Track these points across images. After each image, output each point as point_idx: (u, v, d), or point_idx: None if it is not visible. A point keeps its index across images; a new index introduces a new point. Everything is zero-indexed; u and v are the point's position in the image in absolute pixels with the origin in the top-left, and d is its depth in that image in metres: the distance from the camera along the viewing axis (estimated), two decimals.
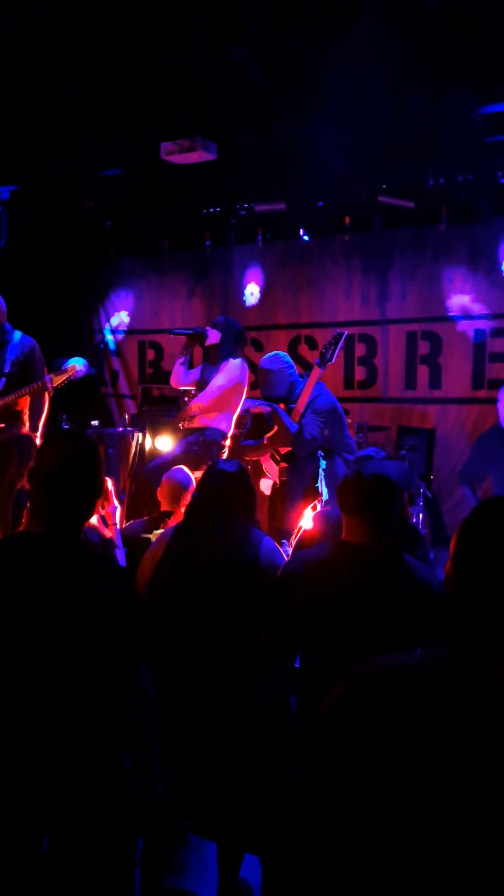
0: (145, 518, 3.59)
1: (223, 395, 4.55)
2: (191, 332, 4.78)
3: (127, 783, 1.88)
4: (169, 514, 3.33)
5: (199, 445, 4.57)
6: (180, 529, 2.55)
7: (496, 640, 1.02)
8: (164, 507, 3.41)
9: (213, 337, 4.70)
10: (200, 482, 2.62)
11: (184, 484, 3.38)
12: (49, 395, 4.35)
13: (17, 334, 4.54)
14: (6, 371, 4.35)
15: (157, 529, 3.17)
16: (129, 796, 1.96)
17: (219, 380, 4.60)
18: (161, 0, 4.20)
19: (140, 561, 2.65)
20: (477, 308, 6.30)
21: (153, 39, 4.47)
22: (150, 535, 3.11)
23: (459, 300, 6.37)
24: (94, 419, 6.71)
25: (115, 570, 2.13)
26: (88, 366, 5.11)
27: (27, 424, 4.34)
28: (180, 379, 4.89)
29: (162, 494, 3.42)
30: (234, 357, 4.68)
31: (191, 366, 4.89)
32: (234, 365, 4.63)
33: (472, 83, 4.60)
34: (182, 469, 3.50)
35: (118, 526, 2.74)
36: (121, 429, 6.51)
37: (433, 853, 1.00)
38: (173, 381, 4.95)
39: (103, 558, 2.45)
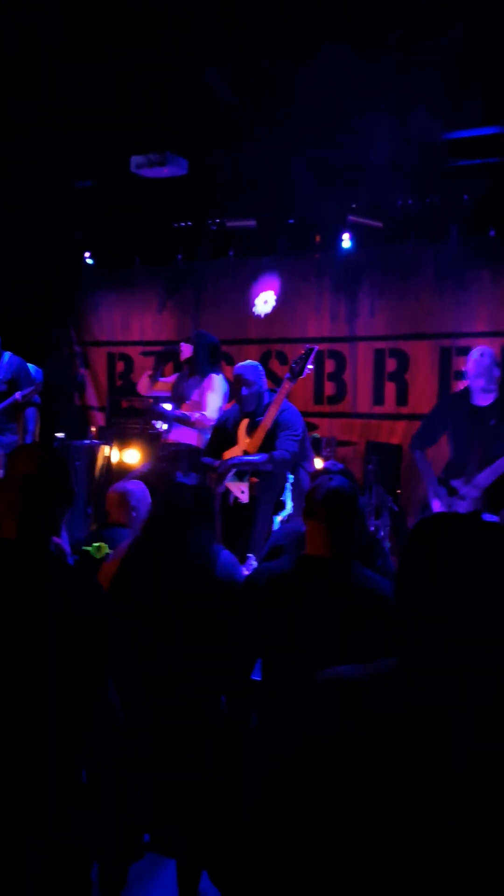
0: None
1: (217, 412, 4.68)
2: (162, 351, 4.92)
3: (83, 798, 1.88)
4: (114, 526, 3.30)
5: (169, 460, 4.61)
6: (138, 543, 2.53)
7: (439, 650, 1.04)
8: (113, 518, 3.38)
9: (186, 351, 4.82)
10: (159, 496, 2.60)
11: (130, 494, 3.36)
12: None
13: (6, 355, 5.19)
14: None
15: (97, 542, 3.14)
16: (86, 812, 1.95)
17: (212, 397, 4.72)
18: (136, 18, 4.23)
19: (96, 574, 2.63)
20: (442, 327, 6.41)
21: (128, 56, 4.51)
22: (90, 548, 3.09)
23: (425, 319, 6.47)
24: (61, 431, 6.68)
25: (84, 577, 2.14)
26: (41, 373, 5.36)
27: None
28: (146, 389, 5.10)
29: (110, 505, 3.41)
30: (216, 372, 4.80)
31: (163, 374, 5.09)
32: (220, 381, 4.78)
33: (438, 108, 4.70)
34: (134, 481, 3.50)
35: (65, 528, 2.74)
36: (88, 441, 6.48)
37: (383, 869, 1.01)
38: (140, 390, 5.17)
39: (72, 567, 2.44)
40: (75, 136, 5.29)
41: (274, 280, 6.68)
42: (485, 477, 3.83)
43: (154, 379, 4.99)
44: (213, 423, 4.65)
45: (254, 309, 6.70)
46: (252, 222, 6.53)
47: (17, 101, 4.85)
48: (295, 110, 4.87)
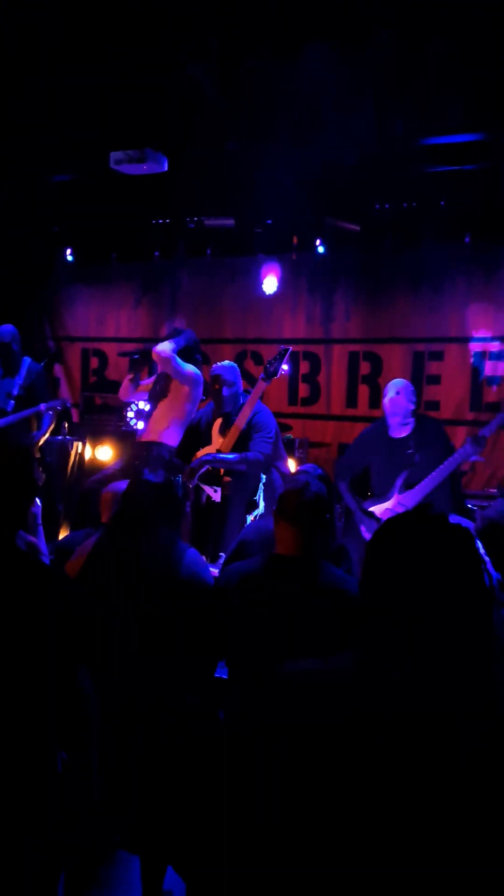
0: (86, 529, 3.56)
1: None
2: (138, 354, 4.78)
3: (60, 786, 1.87)
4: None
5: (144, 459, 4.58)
6: (102, 541, 2.51)
7: (397, 646, 1.06)
8: (105, 518, 3.38)
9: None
10: (124, 493, 2.57)
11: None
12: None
13: (26, 361, 5.53)
14: (14, 394, 5.36)
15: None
16: (60, 801, 1.95)
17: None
18: (119, 13, 4.21)
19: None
20: (416, 331, 6.47)
21: (111, 51, 4.48)
22: None
23: (400, 323, 6.53)
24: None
25: (51, 573, 2.13)
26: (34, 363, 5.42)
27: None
28: (128, 393, 4.92)
29: (104, 506, 3.40)
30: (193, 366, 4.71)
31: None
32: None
33: (417, 115, 4.75)
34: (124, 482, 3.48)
35: (42, 527, 2.72)
36: (60, 437, 6.43)
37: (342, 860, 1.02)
38: (122, 395, 4.97)
39: (38, 562, 2.42)
40: (55, 130, 5.25)
41: (275, 267, 6.67)
42: (411, 497, 3.92)
43: (135, 383, 4.88)
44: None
45: (262, 287, 6.68)
46: (230, 221, 6.53)
47: None
48: (276, 111, 4.88)
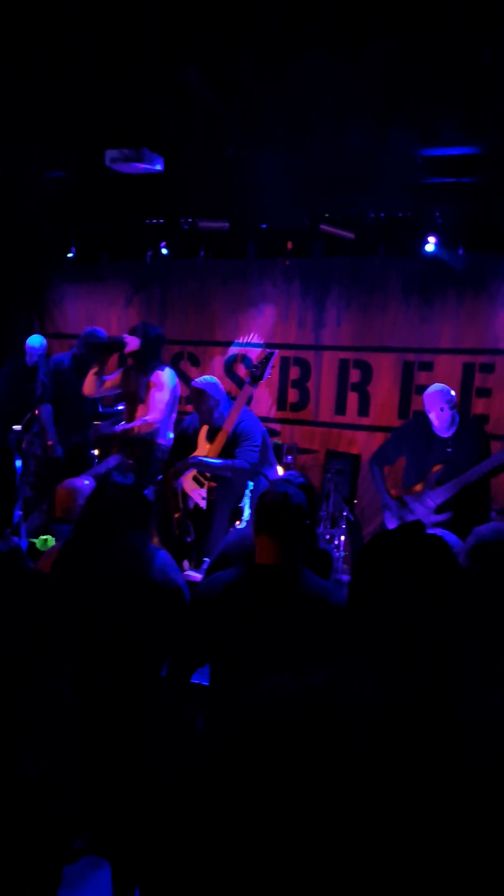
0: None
1: (165, 409, 4.58)
2: (106, 341, 4.74)
3: (30, 792, 1.84)
4: (62, 522, 3.28)
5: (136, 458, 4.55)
6: (69, 544, 2.47)
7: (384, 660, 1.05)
8: (59, 514, 3.36)
9: (133, 343, 4.64)
10: (91, 495, 2.53)
11: (78, 492, 3.33)
12: None
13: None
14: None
15: (44, 535, 3.11)
16: (30, 807, 1.92)
17: (162, 395, 4.61)
18: (118, 11, 4.21)
19: None
20: (407, 341, 6.49)
21: (108, 49, 4.47)
22: (36, 541, 3.06)
23: (391, 332, 6.54)
24: (18, 424, 6.56)
25: (37, 576, 2.11)
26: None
27: None
28: (94, 389, 4.85)
29: (58, 502, 3.39)
30: (162, 367, 4.68)
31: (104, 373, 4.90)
32: (168, 376, 4.65)
33: (415, 125, 4.76)
34: (82, 478, 3.48)
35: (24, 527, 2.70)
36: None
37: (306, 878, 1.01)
38: (87, 391, 4.89)
39: (23, 564, 2.40)
40: (50, 125, 5.22)
41: (341, 310, 6.68)
42: (439, 494, 3.95)
43: (101, 377, 4.81)
44: (158, 421, 4.59)
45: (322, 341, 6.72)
46: (225, 224, 6.52)
47: None
48: (274, 116, 4.88)
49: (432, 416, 4.21)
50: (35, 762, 2.00)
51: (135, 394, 4.70)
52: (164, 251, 7.10)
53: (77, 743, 1.89)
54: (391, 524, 4.25)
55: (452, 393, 4.25)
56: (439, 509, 4.08)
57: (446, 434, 4.20)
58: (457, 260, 6.11)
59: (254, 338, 5.72)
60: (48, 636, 1.77)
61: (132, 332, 4.72)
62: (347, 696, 1.06)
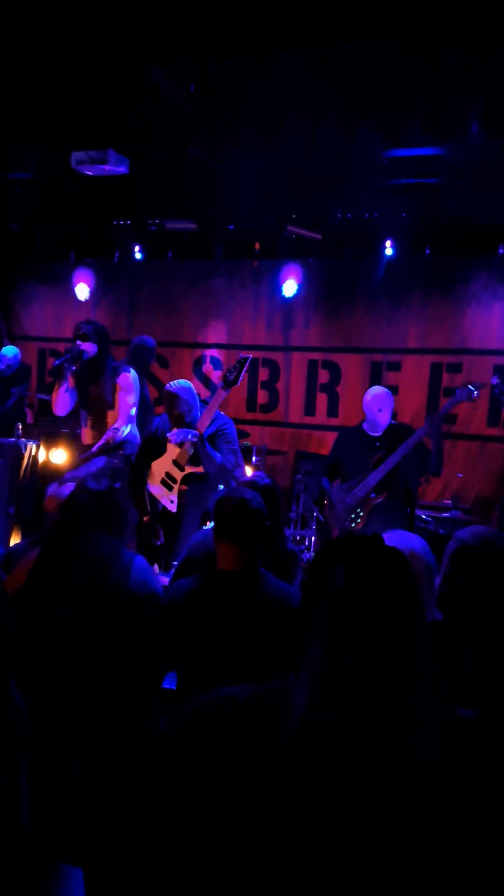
0: (26, 540, 3.49)
1: (130, 412, 4.52)
2: (68, 355, 4.42)
3: None
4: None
5: (121, 459, 4.48)
6: (43, 553, 2.42)
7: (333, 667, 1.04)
8: (48, 524, 3.32)
9: (91, 349, 4.43)
10: (63, 503, 2.49)
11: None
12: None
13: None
14: None
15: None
16: None
17: (130, 398, 4.52)
18: (85, 13, 4.16)
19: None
20: (374, 341, 6.53)
21: (74, 50, 4.43)
22: None
23: (358, 333, 6.58)
24: None
25: None
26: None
27: None
28: (67, 406, 4.56)
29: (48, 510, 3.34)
30: (126, 367, 4.58)
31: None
32: (134, 377, 4.56)
33: (381, 126, 4.79)
34: (71, 486, 3.42)
35: None
36: (13, 439, 6.31)
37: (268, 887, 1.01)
38: (60, 411, 4.57)
39: None
40: (15, 126, 5.17)
41: (297, 270, 6.62)
42: (372, 478, 4.38)
43: (71, 392, 4.51)
44: (125, 425, 4.51)
45: (283, 293, 6.63)
46: (192, 225, 6.51)
47: None
48: (241, 117, 4.88)
49: (372, 416, 4.43)
50: None
51: (99, 399, 4.51)
52: (138, 255, 7.05)
53: (24, 749, 1.86)
54: (339, 509, 4.45)
55: (391, 396, 4.50)
56: (375, 489, 4.36)
57: (376, 433, 4.45)
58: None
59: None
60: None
61: (83, 339, 4.43)
62: (288, 710, 1.04)
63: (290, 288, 6.59)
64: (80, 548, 2.34)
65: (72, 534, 2.38)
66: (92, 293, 7.50)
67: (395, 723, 1.01)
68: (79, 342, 4.41)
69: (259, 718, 1.07)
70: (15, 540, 5.89)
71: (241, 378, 4.06)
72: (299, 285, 6.61)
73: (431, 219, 6.01)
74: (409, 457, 4.28)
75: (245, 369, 4.07)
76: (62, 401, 4.52)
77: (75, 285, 7.21)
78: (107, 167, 5.16)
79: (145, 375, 5.83)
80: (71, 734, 2.29)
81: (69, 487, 3.39)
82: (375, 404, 4.44)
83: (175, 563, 3.68)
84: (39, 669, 2.25)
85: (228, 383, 4.02)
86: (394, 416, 4.53)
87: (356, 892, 0.97)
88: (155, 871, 1.11)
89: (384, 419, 4.43)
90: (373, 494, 4.39)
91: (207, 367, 7.19)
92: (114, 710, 2.31)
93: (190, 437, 3.97)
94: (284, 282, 6.61)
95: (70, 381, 4.49)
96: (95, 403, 4.53)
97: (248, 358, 4.13)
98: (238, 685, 1.15)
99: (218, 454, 4.00)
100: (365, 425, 4.52)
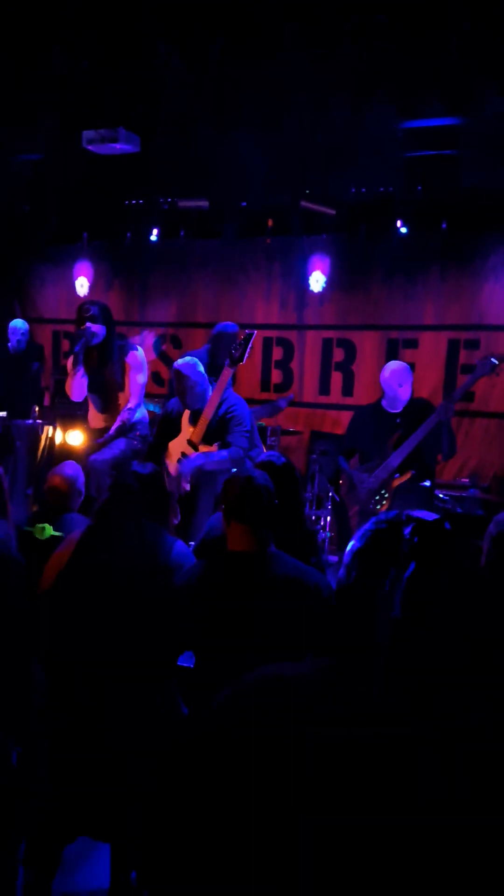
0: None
1: (142, 391, 4.51)
2: (83, 340, 4.32)
3: (13, 778, 1.84)
4: (55, 510, 3.26)
5: (139, 440, 4.48)
6: (89, 532, 2.47)
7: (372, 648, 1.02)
8: (51, 501, 3.35)
9: (101, 331, 4.36)
10: (112, 484, 2.55)
11: (72, 478, 3.33)
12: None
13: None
14: None
15: (39, 523, 3.10)
16: (15, 791, 1.91)
17: (140, 377, 4.50)
18: None
19: (48, 560, 2.57)
20: (390, 318, 6.45)
21: (81, 28, 4.38)
22: (33, 529, 3.05)
23: (374, 310, 6.50)
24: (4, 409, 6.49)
25: (13, 561, 2.10)
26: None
27: None
28: (84, 391, 4.51)
29: (55, 490, 3.36)
30: (134, 346, 4.54)
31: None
32: (141, 356, 4.52)
33: (394, 98, 4.69)
34: (72, 464, 3.45)
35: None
36: (30, 421, 6.33)
37: (299, 862, 1.00)
38: (77, 396, 4.53)
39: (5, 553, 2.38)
40: (26, 107, 5.12)
41: (324, 261, 6.54)
42: (396, 456, 4.31)
43: (86, 377, 4.45)
44: (138, 405, 4.49)
45: (309, 287, 6.57)
46: (204, 203, 6.44)
47: None
48: (251, 92, 4.80)
49: (392, 392, 4.36)
50: (15, 746, 2.00)
51: (110, 381, 4.44)
52: (154, 237, 7.00)
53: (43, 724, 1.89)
54: (360, 490, 4.40)
55: (410, 372, 4.44)
56: (399, 469, 4.29)
57: (395, 410, 4.38)
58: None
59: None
60: (25, 624, 1.76)
61: (93, 320, 4.31)
62: (346, 690, 1.03)
63: (317, 282, 6.52)
64: (124, 530, 2.37)
65: (117, 516, 2.41)
66: (104, 274, 7.48)
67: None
68: (89, 325, 4.32)
69: (320, 695, 1.05)
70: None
71: (246, 355, 4.03)
72: (313, 262, 6.54)
73: (448, 192, 5.90)
74: (429, 434, 4.24)
75: (250, 346, 4.03)
76: (78, 386, 4.47)
77: (76, 279, 7.27)
78: (118, 146, 5.11)
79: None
80: (106, 711, 2.30)
81: (70, 465, 3.43)
82: (395, 379, 4.36)
83: (192, 543, 3.68)
84: (78, 648, 2.27)
85: (234, 360, 4.00)
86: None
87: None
88: (187, 847, 1.11)
89: (405, 394, 4.35)
90: (396, 475, 4.32)
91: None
92: (153, 688, 2.33)
93: (198, 465, 3.98)
94: (311, 273, 6.55)
95: (80, 370, 4.44)
96: (105, 386, 4.49)
97: (252, 334, 4.10)
98: (274, 664, 1.13)
99: (225, 452, 3.98)
100: (384, 402, 4.45)
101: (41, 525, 3.11)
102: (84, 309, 4.38)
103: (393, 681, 1.00)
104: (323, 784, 1.01)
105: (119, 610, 2.31)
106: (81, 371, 4.42)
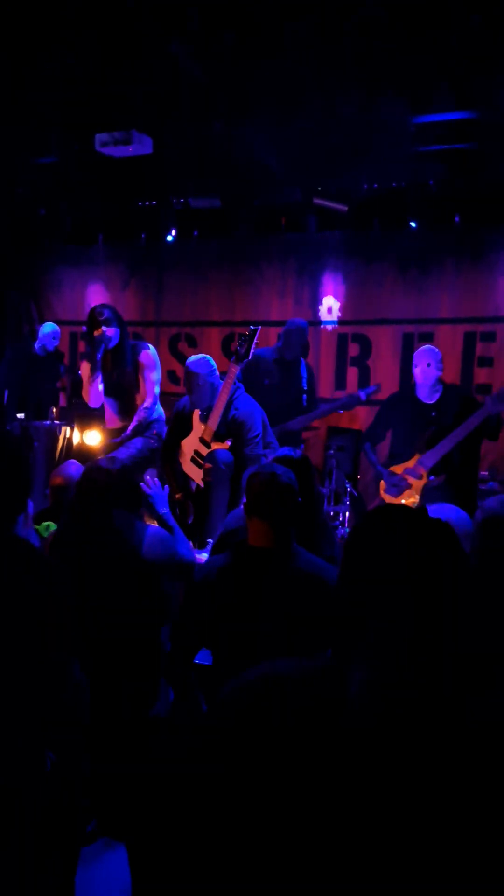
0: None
1: (157, 389, 4.52)
2: (102, 346, 4.32)
3: (48, 783, 1.86)
4: (59, 508, 3.32)
5: (156, 439, 4.50)
6: (62, 527, 2.55)
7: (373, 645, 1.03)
8: (52, 501, 3.40)
9: (116, 334, 4.36)
10: (80, 480, 2.63)
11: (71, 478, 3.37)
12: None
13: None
14: None
15: (44, 521, 3.16)
16: (49, 796, 1.93)
17: (154, 375, 4.51)
18: None
19: None
20: (405, 313, 6.43)
21: (92, 29, 4.40)
22: (39, 527, 3.10)
23: (388, 305, 6.49)
24: (22, 411, 6.56)
25: (48, 563, 2.12)
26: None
27: None
28: (101, 397, 4.51)
29: (57, 491, 3.42)
30: (146, 344, 4.55)
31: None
32: (154, 354, 4.51)
33: (406, 92, 4.68)
34: (74, 463, 3.50)
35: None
36: (48, 422, 6.38)
37: (302, 860, 1.01)
38: (95, 402, 4.53)
39: (36, 552, 2.42)
40: (40, 111, 5.17)
41: (338, 285, 6.55)
42: (430, 456, 4.17)
43: (104, 383, 4.45)
44: (153, 405, 4.50)
45: (320, 315, 6.56)
46: (217, 201, 6.46)
47: None
48: (262, 90, 4.81)
49: (417, 372, 4.30)
50: (50, 749, 2.02)
51: (125, 383, 4.43)
52: (170, 238, 7.02)
53: (84, 724, 1.90)
54: (389, 493, 4.32)
55: (440, 354, 4.27)
56: (433, 471, 4.16)
57: (430, 401, 4.29)
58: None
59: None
60: (62, 619, 1.78)
61: (108, 324, 4.28)
62: (343, 686, 1.04)
63: (329, 311, 6.57)
64: (95, 522, 2.42)
65: (87, 510, 2.49)
66: (120, 275, 7.52)
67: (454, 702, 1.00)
68: (104, 329, 4.30)
69: (318, 694, 1.07)
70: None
71: (251, 351, 4.02)
72: (327, 258, 6.53)
73: (461, 185, 5.87)
74: (474, 433, 4.07)
75: (255, 341, 4.02)
76: (96, 393, 4.47)
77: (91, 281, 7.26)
78: (131, 147, 5.14)
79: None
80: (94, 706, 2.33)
81: (73, 465, 3.47)
82: (423, 358, 4.26)
83: (210, 540, 3.70)
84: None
85: (239, 357, 4.00)
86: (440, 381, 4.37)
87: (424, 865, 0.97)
88: (202, 848, 1.12)
89: (431, 375, 4.23)
90: (431, 477, 4.19)
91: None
92: (134, 676, 2.36)
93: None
94: (322, 300, 6.61)
95: (99, 376, 4.44)
96: (121, 388, 4.50)
97: (256, 329, 4.09)
98: (280, 661, 1.14)
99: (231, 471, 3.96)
100: (418, 392, 4.34)
101: (46, 523, 3.17)
102: (98, 313, 4.36)
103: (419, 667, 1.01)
104: (322, 782, 1.02)
105: (100, 603, 2.35)
106: (99, 377, 4.42)
